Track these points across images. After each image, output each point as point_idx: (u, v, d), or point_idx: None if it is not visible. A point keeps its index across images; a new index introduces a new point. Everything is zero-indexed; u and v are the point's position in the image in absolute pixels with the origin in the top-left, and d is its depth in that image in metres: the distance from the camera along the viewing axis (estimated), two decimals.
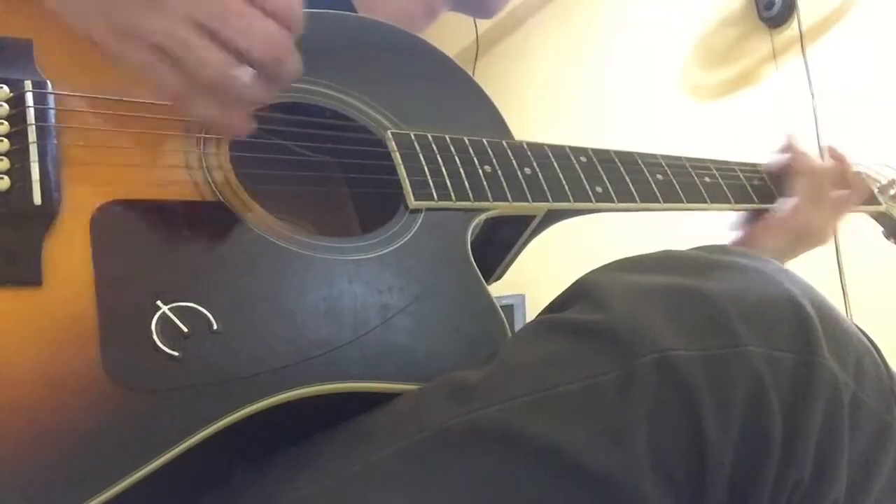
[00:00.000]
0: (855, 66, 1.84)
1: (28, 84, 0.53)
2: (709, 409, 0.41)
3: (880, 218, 0.96)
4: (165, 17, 0.48)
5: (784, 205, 0.83)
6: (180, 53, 0.48)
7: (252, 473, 0.48)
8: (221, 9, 0.48)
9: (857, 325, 0.48)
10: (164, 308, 0.46)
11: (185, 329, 0.46)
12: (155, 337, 0.45)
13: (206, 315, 0.47)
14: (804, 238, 0.83)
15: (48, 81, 0.54)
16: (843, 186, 0.87)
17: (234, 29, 0.48)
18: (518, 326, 0.53)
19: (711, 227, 0.88)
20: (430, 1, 0.86)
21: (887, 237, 0.98)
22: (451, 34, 0.77)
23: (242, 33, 0.49)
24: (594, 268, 0.51)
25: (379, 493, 0.43)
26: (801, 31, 1.95)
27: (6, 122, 0.51)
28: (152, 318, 0.46)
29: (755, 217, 0.84)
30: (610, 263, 0.51)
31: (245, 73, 0.50)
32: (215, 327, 0.47)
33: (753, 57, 2.07)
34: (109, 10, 0.48)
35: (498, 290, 0.79)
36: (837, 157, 0.88)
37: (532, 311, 2.23)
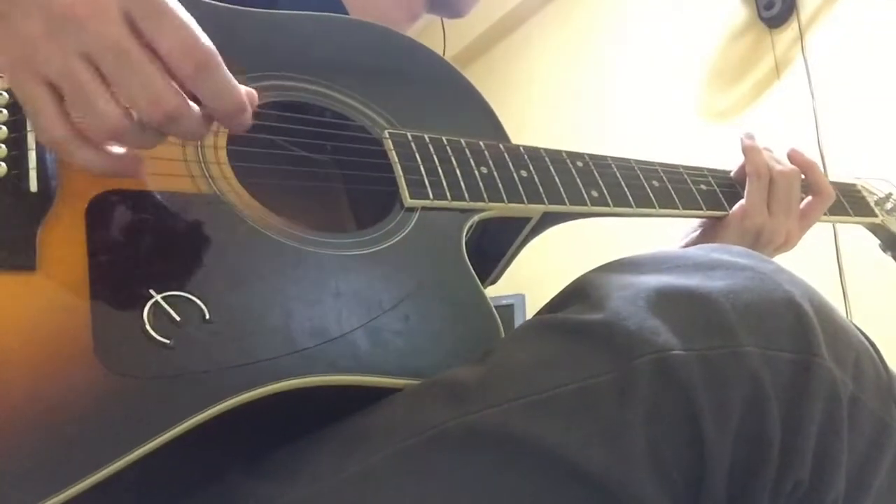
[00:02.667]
0: (855, 66, 1.84)
1: None
2: (707, 409, 0.40)
3: (877, 230, 0.97)
4: (59, 52, 0.44)
5: (735, 207, 0.81)
6: (71, 94, 0.44)
7: (246, 474, 0.47)
8: (114, 53, 0.44)
9: (856, 326, 0.48)
10: (157, 297, 0.46)
11: (178, 318, 0.46)
12: (147, 325, 0.45)
13: (198, 305, 0.47)
14: (765, 242, 0.81)
15: None
16: (812, 193, 0.85)
17: (126, 79, 0.44)
18: (517, 326, 0.52)
19: None
20: (411, 4, 0.87)
21: (884, 250, 0.98)
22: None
23: (136, 87, 0.44)
24: (593, 268, 0.51)
25: (376, 496, 0.43)
26: (801, 31, 1.95)
27: (5, 111, 0.51)
28: (145, 306, 0.46)
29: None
30: (608, 263, 0.51)
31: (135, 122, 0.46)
32: (207, 317, 0.47)
33: (753, 57, 2.07)
34: (9, 39, 0.45)
35: (498, 290, 0.79)
36: (799, 163, 0.86)
37: (532, 311, 2.23)
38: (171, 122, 0.46)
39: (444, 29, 1.04)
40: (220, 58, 0.46)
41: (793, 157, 0.86)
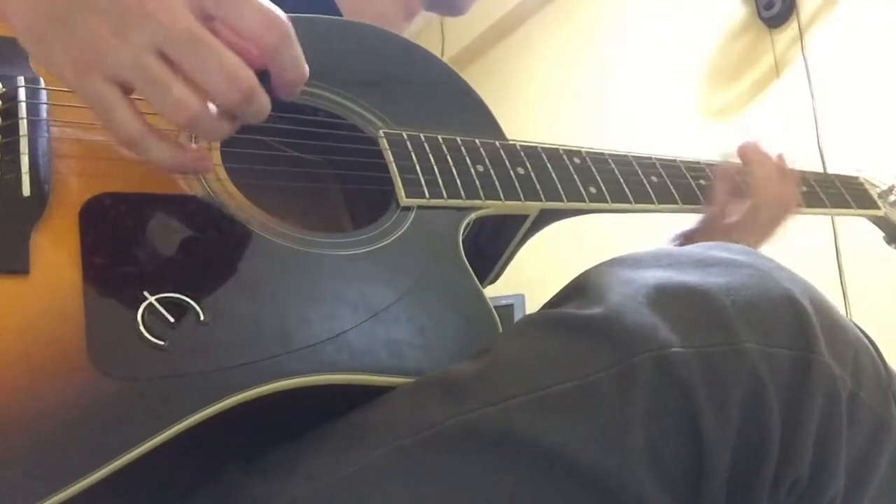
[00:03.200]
0: (855, 66, 1.84)
1: (20, 79, 0.53)
2: (706, 406, 0.40)
3: (880, 223, 0.96)
4: (130, 49, 0.44)
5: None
6: (146, 88, 0.45)
7: (244, 472, 0.47)
8: (188, 42, 0.45)
9: (855, 324, 0.48)
10: (151, 299, 0.46)
11: (172, 320, 0.46)
12: (141, 327, 0.45)
13: (193, 306, 0.47)
14: (744, 234, 0.81)
15: (41, 78, 0.54)
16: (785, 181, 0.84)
17: (200, 66, 0.45)
18: (517, 320, 0.52)
19: None
20: (409, 2, 0.87)
21: (888, 242, 0.98)
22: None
23: (210, 72, 0.45)
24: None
25: (374, 494, 0.43)
26: (801, 31, 1.95)
27: None
28: (139, 308, 0.46)
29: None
30: (608, 260, 0.51)
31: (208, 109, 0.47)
32: (202, 318, 0.47)
33: (753, 57, 2.07)
34: (70, 41, 0.45)
35: (497, 290, 0.79)
36: (743, 155, 0.84)
37: (531, 311, 2.22)
38: (246, 101, 0.47)
39: (443, 31, 1.04)
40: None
41: (741, 152, 0.85)
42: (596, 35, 2.53)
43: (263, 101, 0.49)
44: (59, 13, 0.45)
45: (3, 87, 0.53)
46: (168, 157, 0.49)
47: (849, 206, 0.91)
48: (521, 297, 2.18)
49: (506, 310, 2.15)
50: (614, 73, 2.44)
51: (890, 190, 0.96)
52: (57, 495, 0.38)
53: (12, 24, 0.47)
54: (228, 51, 0.46)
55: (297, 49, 0.49)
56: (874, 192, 0.95)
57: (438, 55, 0.75)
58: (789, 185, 0.85)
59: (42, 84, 0.54)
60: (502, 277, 0.77)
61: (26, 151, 0.50)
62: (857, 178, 0.95)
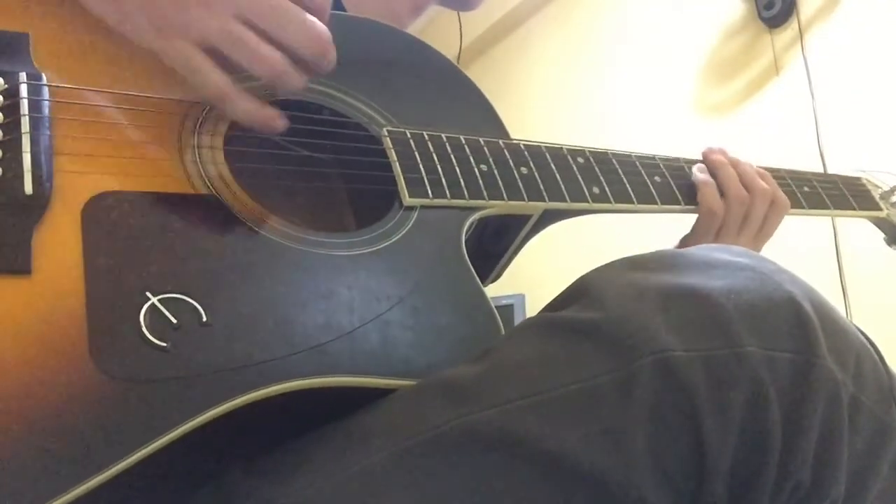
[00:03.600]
0: (855, 66, 1.84)
1: (23, 76, 0.53)
2: (708, 410, 0.40)
3: (881, 224, 0.96)
4: (216, 16, 0.50)
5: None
6: (235, 49, 0.51)
7: (246, 473, 0.47)
8: (269, 7, 0.51)
9: (856, 327, 0.48)
10: (154, 299, 0.46)
11: (175, 320, 0.46)
12: (143, 328, 0.45)
13: (196, 307, 0.47)
14: (733, 236, 0.79)
15: (43, 74, 0.54)
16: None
17: (282, 26, 0.52)
18: (517, 323, 0.52)
19: None
20: None
21: (889, 244, 0.97)
22: (437, 39, 0.77)
23: (292, 31, 0.52)
24: (594, 267, 0.51)
25: (376, 496, 0.43)
26: (801, 31, 1.95)
27: (0, 113, 0.51)
28: (141, 308, 0.45)
29: None
30: (609, 263, 0.51)
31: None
32: (205, 319, 0.46)
33: (753, 56, 2.07)
34: (154, 9, 0.50)
35: (498, 290, 0.79)
36: (705, 158, 0.82)
37: (532, 311, 2.23)
38: (324, 54, 0.55)
39: (461, 28, 1.03)
40: None
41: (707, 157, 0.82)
42: (596, 35, 2.53)
43: (335, 55, 0.55)
44: None
45: (5, 83, 0.52)
46: (253, 110, 0.55)
47: (851, 208, 0.90)
48: (522, 297, 2.18)
49: (506, 310, 2.15)
50: (614, 73, 2.44)
51: (892, 191, 0.95)
52: (59, 498, 0.38)
53: None
54: (305, 13, 0.53)
55: (331, 59, 0.56)
56: (876, 193, 0.94)
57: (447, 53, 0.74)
58: (766, 183, 0.82)
59: (44, 80, 0.54)
60: (503, 277, 0.77)
61: (28, 149, 0.49)
62: (859, 179, 0.95)
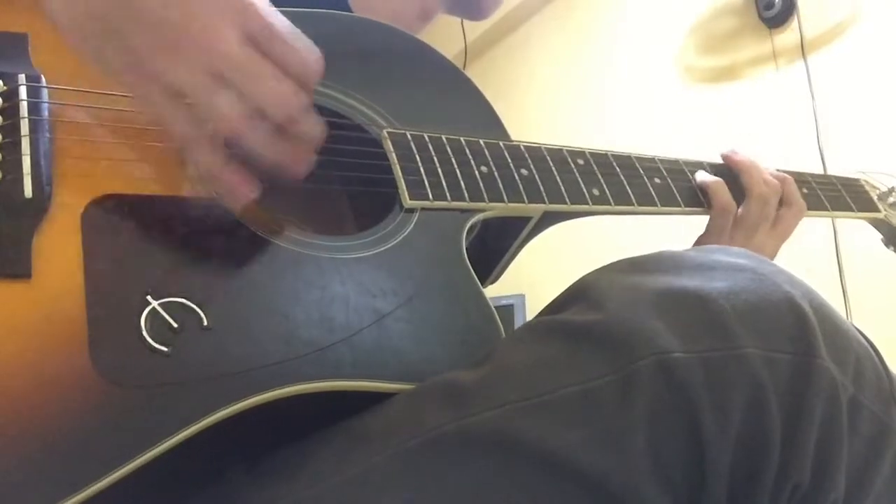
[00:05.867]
0: (855, 66, 1.84)
1: (22, 77, 0.53)
2: (707, 411, 0.40)
3: (879, 225, 0.96)
4: (187, 65, 0.47)
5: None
6: (202, 100, 0.48)
7: (247, 475, 0.47)
8: (240, 63, 0.48)
9: (856, 327, 0.48)
10: (154, 303, 0.46)
11: (175, 325, 0.46)
12: (144, 332, 0.45)
13: (196, 311, 0.47)
14: (752, 234, 0.80)
15: (42, 75, 0.54)
16: (784, 204, 0.83)
17: (252, 85, 0.48)
18: (517, 327, 0.52)
19: None
20: (425, 2, 0.86)
21: (886, 245, 0.97)
22: (440, 40, 0.77)
23: (260, 91, 0.49)
24: (594, 268, 0.51)
25: (376, 498, 0.43)
26: (801, 32, 1.95)
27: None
28: (142, 313, 0.45)
29: None
30: (609, 264, 0.51)
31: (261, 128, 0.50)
32: (206, 323, 0.46)
33: (753, 57, 2.07)
34: (128, 51, 0.48)
35: (498, 290, 0.79)
36: (727, 160, 0.83)
37: (532, 311, 2.23)
38: (293, 122, 0.51)
39: (463, 29, 1.03)
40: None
41: (727, 157, 0.84)
42: (596, 35, 2.53)
43: (312, 122, 0.52)
44: (115, 27, 0.47)
45: (4, 84, 0.52)
46: (215, 165, 0.50)
47: (849, 209, 0.90)
48: (522, 298, 2.18)
49: (506, 310, 2.15)
50: (614, 72, 2.43)
51: (889, 192, 0.95)
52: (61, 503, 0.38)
53: (55, 19, 0.49)
54: (281, 74, 0.49)
55: (306, 125, 0.52)
56: (874, 195, 0.94)
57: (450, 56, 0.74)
58: (788, 184, 0.84)
59: (44, 82, 0.53)
60: (503, 277, 0.77)
61: (28, 152, 0.49)
62: (857, 180, 0.95)
